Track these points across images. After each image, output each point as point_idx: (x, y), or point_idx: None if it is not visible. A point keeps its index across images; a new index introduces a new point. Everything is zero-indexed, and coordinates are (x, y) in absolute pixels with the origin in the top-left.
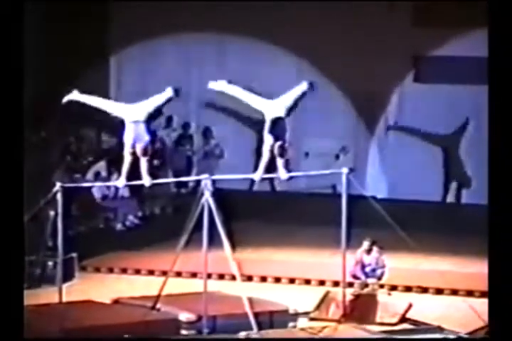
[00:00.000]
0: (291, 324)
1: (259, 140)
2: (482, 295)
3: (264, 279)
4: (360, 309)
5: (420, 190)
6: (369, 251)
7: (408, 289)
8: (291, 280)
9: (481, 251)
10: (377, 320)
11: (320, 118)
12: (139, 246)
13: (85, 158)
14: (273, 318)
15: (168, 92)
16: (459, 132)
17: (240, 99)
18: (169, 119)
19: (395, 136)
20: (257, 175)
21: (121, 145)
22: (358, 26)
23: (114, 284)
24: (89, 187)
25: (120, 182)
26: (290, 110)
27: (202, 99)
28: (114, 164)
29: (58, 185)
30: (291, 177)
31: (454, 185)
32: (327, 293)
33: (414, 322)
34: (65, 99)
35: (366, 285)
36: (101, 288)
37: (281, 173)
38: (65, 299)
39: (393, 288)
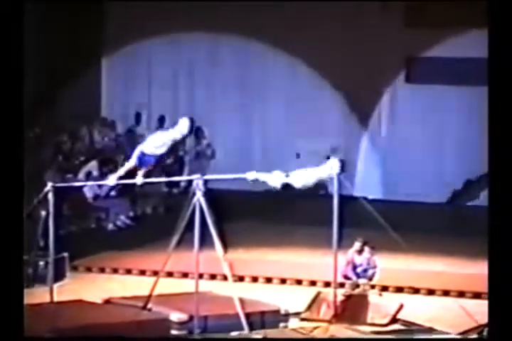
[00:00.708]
0: (282, 324)
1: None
2: (474, 296)
3: (255, 279)
4: (352, 309)
5: (412, 191)
6: (360, 251)
7: (399, 290)
8: (283, 281)
9: (474, 252)
10: (368, 320)
11: (311, 119)
12: (130, 246)
13: (77, 157)
14: (264, 318)
15: (185, 125)
16: (453, 133)
17: None
18: (161, 120)
19: (386, 137)
20: (251, 175)
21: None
22: (351, 27)
23: (105, 284)
24: (81, 187)
25: (111, 180)
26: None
27: (194, 100)
28: (106, 164)
29: (50, 184)
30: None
31: (446, 186)
32: (318, 294)
33: (406, 323)
34: None
35: (357, 286)
36: (92, 287)
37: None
38: (56, 299)
39: (384, 288)
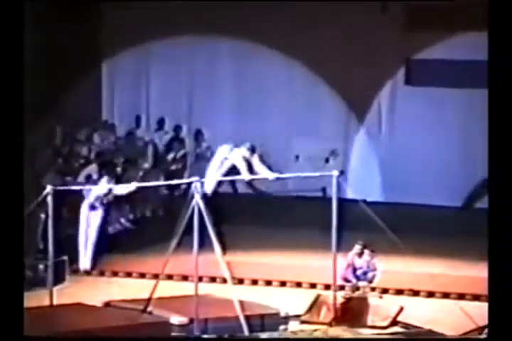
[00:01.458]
0: (282, 327)
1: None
2: (474, 298)
3: (255, 282)
4: (352, 312)
5: (412, 193)
6: (360, 254)
7: (399, 292)
8: (282, 283)
9: (473, 254)
10: (369, 323)
11: (310, 121)
12: (130, 249)
13: (76, 160)
14: (264, 321)
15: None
16: (452, 135)
17: None
18: (161, 122)
19: (386, 139)
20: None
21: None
22: (351, 28)
23: (105, 287)
24: (81, 190)
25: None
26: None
27: (193, 102)
28: (106, 167)
29: (49, 187)
30: (280, 179)
31: (446, 188)
32: (318, 296)
33: (406, 326)
34: None
35: (357, 289)
36: (92, 291)
37: (269, 175)
38: (55, 302)
39: (384, 291)
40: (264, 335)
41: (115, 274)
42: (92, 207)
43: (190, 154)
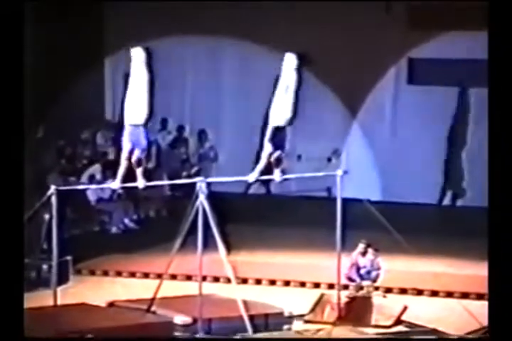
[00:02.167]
0: (286, 326)
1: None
2: (477, 297)
3: (259, 282)
4: (356, 311)
5: (415, 193)
6: (364, 253)
7: (403, 291)
8: (286, 283)
9: (477, 253)
10: (373, 322)
11: (312, 121)
12: (133, 249)
13: (80, 161)
14: (268, 321)
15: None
16: (454, 134)
17: None
18: (164, 122)
19: (388, 138)
20: (252, 177)
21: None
22: (353, 28)
23: (109, 287)
24: (84, 190)
25: (115, 184)
26: (292, 119)
27: (197, 102)
28: (109, 167)
29: (53, 187)
30: (285, 179)
31: (449, 188)
32: (322, 296)
33: (410, 325)
34: None
35: (361, 288)
36: (96, 291)
37: (276, 176)
38: (59, 302)
39: (388, 290)
40: (266, 335)
41: (119, 274)
42: None
43: (193, 154)
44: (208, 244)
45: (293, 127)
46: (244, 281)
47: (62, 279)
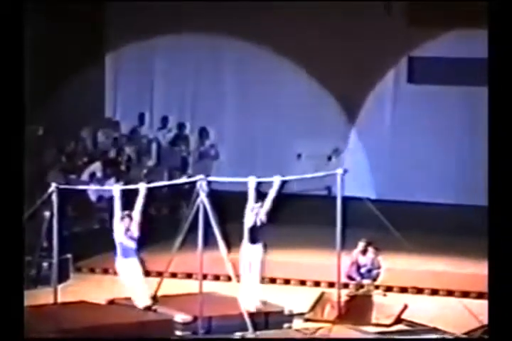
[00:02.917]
0: (286, 325)
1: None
2: (478, 296)
3: None
4: (356, 310)
5: (415, 191)
6: (364, 252)
7: (403, 290)
8: (287, 281)
9: (477, 252)
10: (373, 320)
11: (312, 120)
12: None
13: (80, 158)
14: (268, 319)
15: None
16: (453, 133)
17: None
18: (164, 120)
19: (389, 137)
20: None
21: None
22: (353, 27)
23: (109, 285)
24: (85, 188)
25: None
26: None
27: (198, 100)
28: (110, 165)
29: (53, 185)
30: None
31: (449, 186)
32: (322, 294)
33: (410, 323)
34: None
35: (361, 286)
36: (96, 288)
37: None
38: (60, 300)
39: (388, 288)
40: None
41: None
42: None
43: (194, 152)
44: (209, 242)
45: (293, 126)
46: None
47: (63, 277)
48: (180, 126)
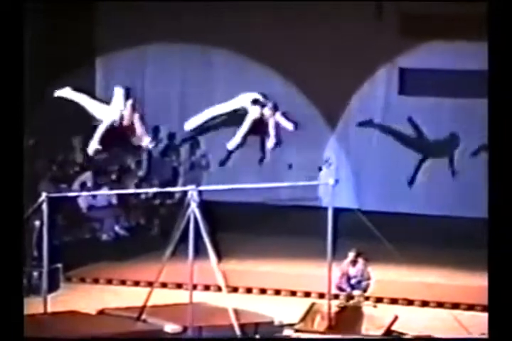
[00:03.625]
0: (276, 335)
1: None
2: (468, 307)
3: (249, 290)
4: (346, 321)
5: (406, 203)
6: (354, 262)
7: (394, 301)
8: (277, 292)
9: (468, 264)
10: (363, 331)
11: (303, 130)
12: (124, 257)
13: (71, 168)
14: (258, 330)
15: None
16: (445, 144)
17: None
18: (155, 130)
19: (379, 149)
20: (232, 144)
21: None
22: (344, 37)
23: (99, 295)
24: (75, 198)
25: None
26: None
27: (188, 109)
28: (100, 175)
29: (44, 194)
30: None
31: (440, 198)
32: (312, 305)
33: (400, 335)
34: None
35: (352, 297)
36: (86, 298)
37: (270, 142)
38: (50, 309)
39: (379, 300)
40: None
41: (109, 282)
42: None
43: (185, 162)
44: (199, 252)
45: (283, 136)
46: (235, 290)
47: (53, 286)
48: (171, 136)
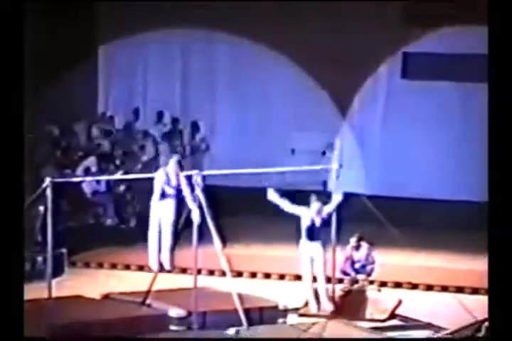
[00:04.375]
0: (280, 320)
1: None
2: (472, 291)
3: (254, 275)
4: (350, 305)
5: (410, 187)
6: (358, 247)
7: (398, 285)
8: (281, 276)
9: (472, 248)
10: (367, 316)
11: (306, 114)
12: (128, 242)
13: (75, 153)
14: (263, 314)
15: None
16: (449, 127)
17: None
18: (160, 114)
19: (382, 132)
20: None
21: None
22: (348, 21)
23: (103, 279)
24: (79, 183)
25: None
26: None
27: (190, 94)
28: (105, 159)
29: (48, 180)
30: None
31: (444, 182)
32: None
33: (404, 319)
34: None
35: (356, 282)
36: (90, 283)
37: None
38: (54, 294)
39: (383, 284)
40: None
41: (114, 266)
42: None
43: (186, 147)
44: (203, 237)
45: (286, 121)
46: (239, 274)
47: (57, 271)
48: (175, 121)
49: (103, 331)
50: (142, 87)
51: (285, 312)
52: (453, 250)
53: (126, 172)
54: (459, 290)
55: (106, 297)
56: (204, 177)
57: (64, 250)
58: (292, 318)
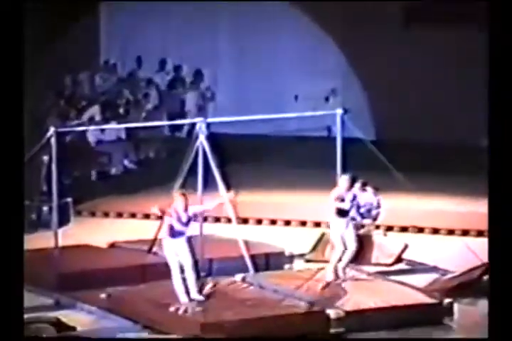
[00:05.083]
0: (287, 266)
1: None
2: (478, 234)
3: (259, 221)
4: (356, 250)
5: (414, 131)
6: (362, 192)
7: (404, 229)
8: (287, 222)
9: (477, 190)
10: (373, 260)
11: (309, 61)
12: (134, 190)
13: (79, 102)
14: (269, 260)
15: None
16: (453, 72)
17: None
18: (162, 62)
19: (387, 78)
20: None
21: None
22: None
23: (109, 228)
24: (84, 132)
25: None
26: None
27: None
28: (108, 108)
29: (52, 129)
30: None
31: (448, 126)
32: (323, 235)
33: (410, 263)
34: None
35: (362, 226)
36: (97, 232)
37: None
38: (60, 243)
39: (389, 228)
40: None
41: (119, 215)
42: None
43: (191, 94)
44: (208, 184)
45: (290, 67)
46: (245, 221)
47: (63, 221)
48: (177, 69)
49: (110, 279)
50: (143, 36)
51: (291, 257)
52: (458, 193)
53: (129, 121)
54: (465, 233)
55: (112, 245)
56: (208, 125)
57: (69, 199)
58: (299, 264)
